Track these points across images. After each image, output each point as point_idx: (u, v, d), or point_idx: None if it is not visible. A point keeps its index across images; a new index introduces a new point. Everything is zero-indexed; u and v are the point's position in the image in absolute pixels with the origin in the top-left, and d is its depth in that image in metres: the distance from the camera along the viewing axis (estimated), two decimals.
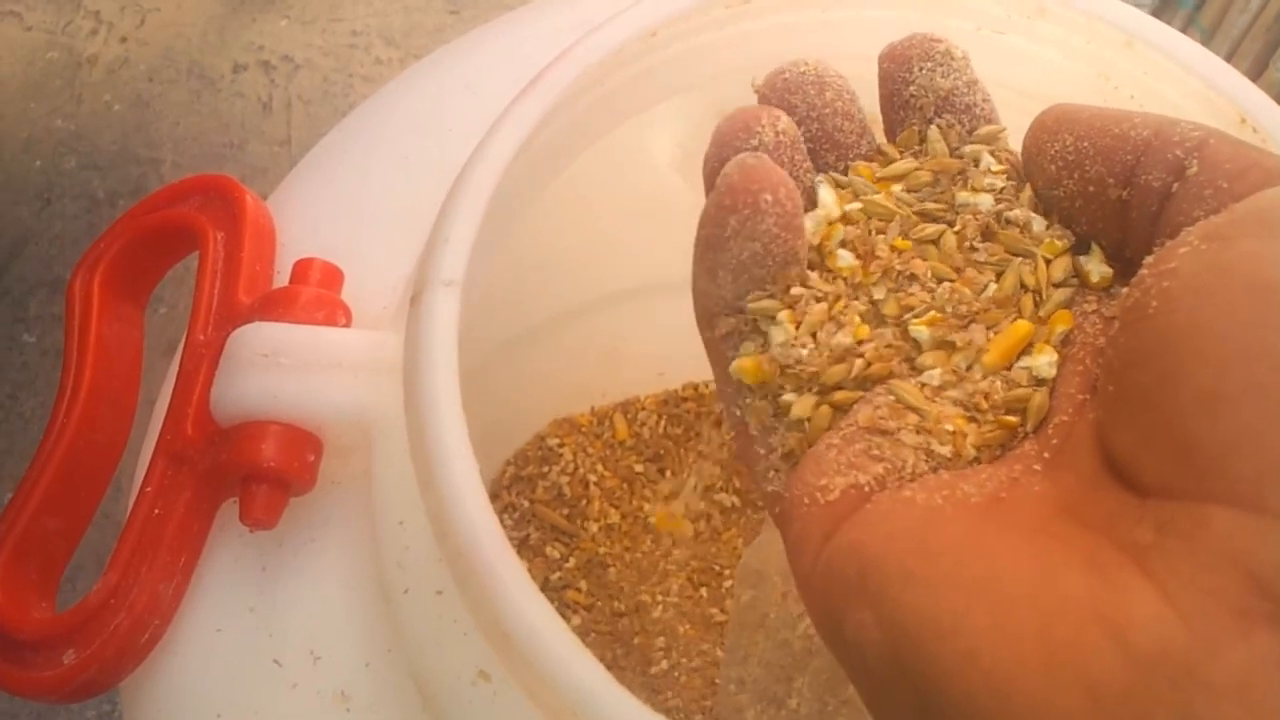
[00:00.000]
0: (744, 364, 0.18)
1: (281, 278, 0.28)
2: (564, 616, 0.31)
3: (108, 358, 0.28)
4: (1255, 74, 0.79)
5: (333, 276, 0.26)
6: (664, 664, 0.50)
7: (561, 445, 0.49)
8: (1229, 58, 0.81)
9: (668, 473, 0.54)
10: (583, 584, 0.49)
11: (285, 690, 0.23)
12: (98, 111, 0.89)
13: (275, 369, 0.24)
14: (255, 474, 0.24)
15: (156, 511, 0.25)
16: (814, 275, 0.19)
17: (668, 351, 0.46)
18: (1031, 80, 0.29)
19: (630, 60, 0.24)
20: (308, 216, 0.29)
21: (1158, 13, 0.84)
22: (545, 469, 0.49)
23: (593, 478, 0.50)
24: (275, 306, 0.25)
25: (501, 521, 0.21)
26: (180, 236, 0.29)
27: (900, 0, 0.26)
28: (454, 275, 0.20)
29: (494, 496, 0.47)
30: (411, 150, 0.30)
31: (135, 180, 0.86)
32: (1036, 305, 0.18)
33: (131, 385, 0.29)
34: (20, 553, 0.26)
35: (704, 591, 0.54)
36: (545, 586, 0.47)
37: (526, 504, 0.49)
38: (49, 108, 0.89)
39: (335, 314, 0.25)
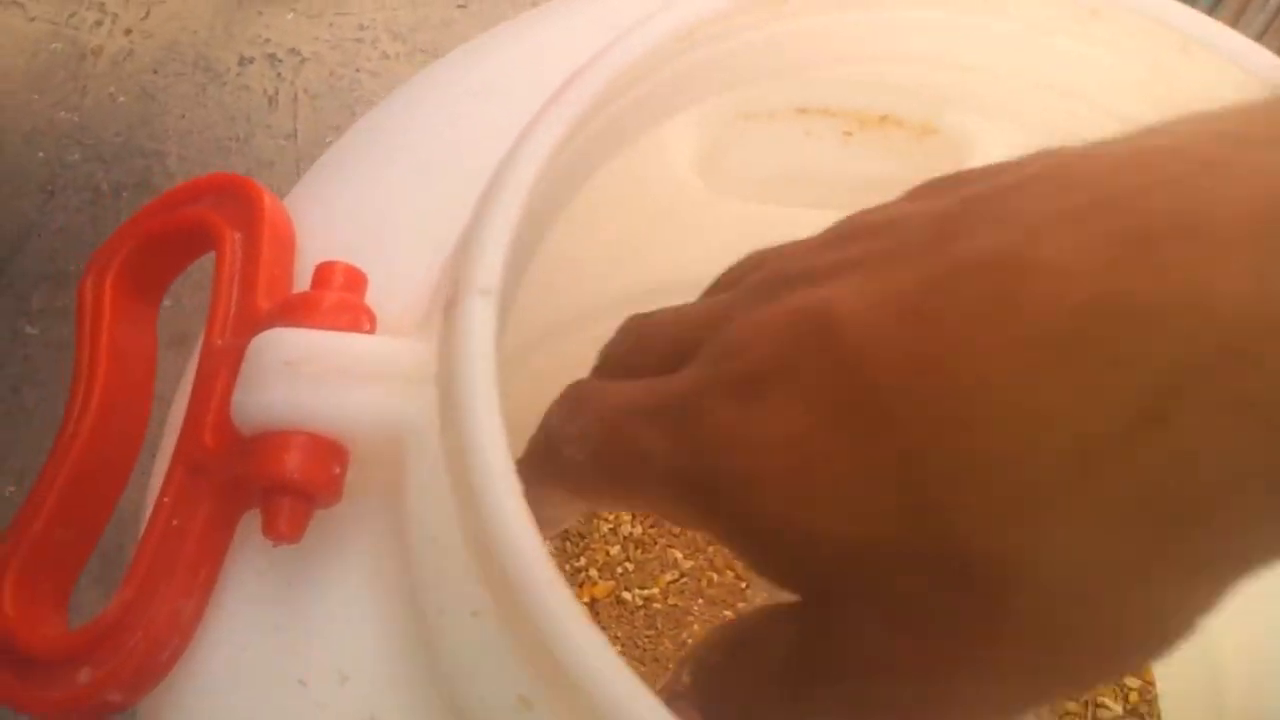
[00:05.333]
0: None
1: (302, 281, 0.27)
2: None
3: (120, 362, 0.27)
4: None
5: (356, 280, 0.25)
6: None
7: None
8: None
9: None
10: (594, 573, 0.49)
11: (313, 711, 0.23)
12: (102, 104, 0.88)
13: (300, 377, 0.23)
14: (279, 486, 0.23)
15: (175, 523, 0.24)
16: None
17: None
18: (1080, 83, 0.28)
19: (663, 63, 0.23)
20: (326, 218, 0.28)
21: None
22: None
23: None
24: (298, 311, 0.24)
25: None
26: (195, 237, 0.28)
27: (944, 1, 0.25)
28: (490, 283, 0.19)
29: None
30: (431, 152, 0.29)
31: (140, 173, 0.85)
32: None
33: (145, 390, 0.28)
34: (31, 565, 0.25)
35: (718, 591, 0.53)
36: None
37: None
38: (53, 100, 0.88)
39: (360, 319, 0.24)
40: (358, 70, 0.91)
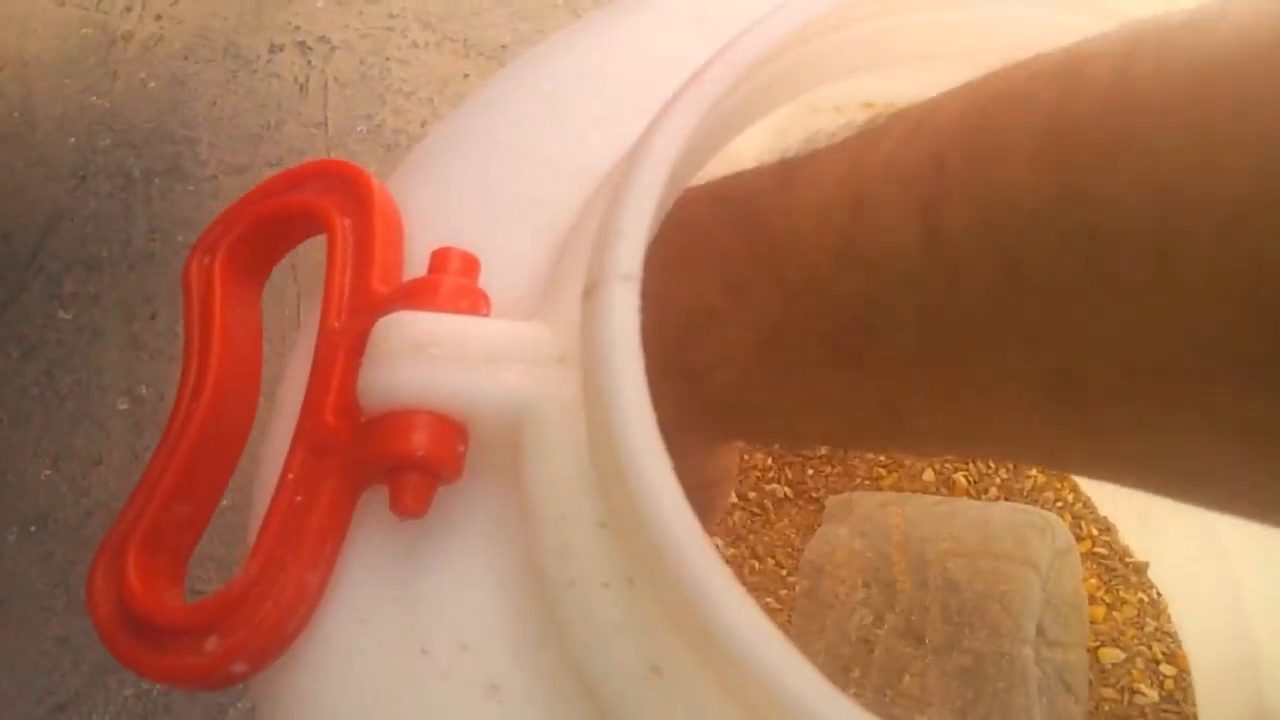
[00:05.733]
0: None
1: (412, 266, 0.27)
2: None
3: (232, 343, 0.28)
4: None
5: (471, 265, 0.26)
6: None
7: None
8: None
9: None
10: None
11: (435, 680, 0.23)
12: (132, 89, 0.89)
13: (427, 359, 0.23)
14: (406, 463, 0.23)
15: (298, 499, 0.25)
16: None
17: None
18: None
19: (782, 55, 0.24)
20: (431, 204, 0.29)
21: None
22: None
23: None
24: (419, 296, 0.25)
25: None
26: (303, 221, 0.29)
27: (1052, 1, 0.26)
28: (632, 269, 0.20)
29: None
30: (533, 140, 0.29)
31: (171, 159, 0.86)
32: None
33: (255, 369, 0.28)
34: (151, 540, 0.26)
35: (760, 579, 0.54)
36: None
37: None
38: (83, 85, 0.88)
39: (478, 303, 0.25)
40: (387, 59, 0.91)
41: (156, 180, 0.86)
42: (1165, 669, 0.53)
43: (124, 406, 0.79)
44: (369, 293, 0.26)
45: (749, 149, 0.38)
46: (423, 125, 0.90)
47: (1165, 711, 0.53)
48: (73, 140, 0.87)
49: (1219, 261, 0.16)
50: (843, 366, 0.21)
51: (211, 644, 0.24)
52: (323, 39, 0.92)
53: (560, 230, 0.27)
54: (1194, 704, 0.53)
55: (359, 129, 0.88)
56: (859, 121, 0.23)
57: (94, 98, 0.89)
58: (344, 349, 0.26)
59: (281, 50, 0.91)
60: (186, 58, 0.90)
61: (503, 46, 0.93)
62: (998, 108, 0.19)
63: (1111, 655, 0.54)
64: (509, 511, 0.24)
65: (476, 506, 0.25)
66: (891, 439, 0.24)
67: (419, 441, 0.23)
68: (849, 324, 0.21)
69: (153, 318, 0.82)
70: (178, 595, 0.26)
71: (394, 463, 0.24)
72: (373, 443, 0.24)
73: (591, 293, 0.21)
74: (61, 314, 0.81)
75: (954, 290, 0.19)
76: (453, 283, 0.25)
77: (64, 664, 0.72)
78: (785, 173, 0.23)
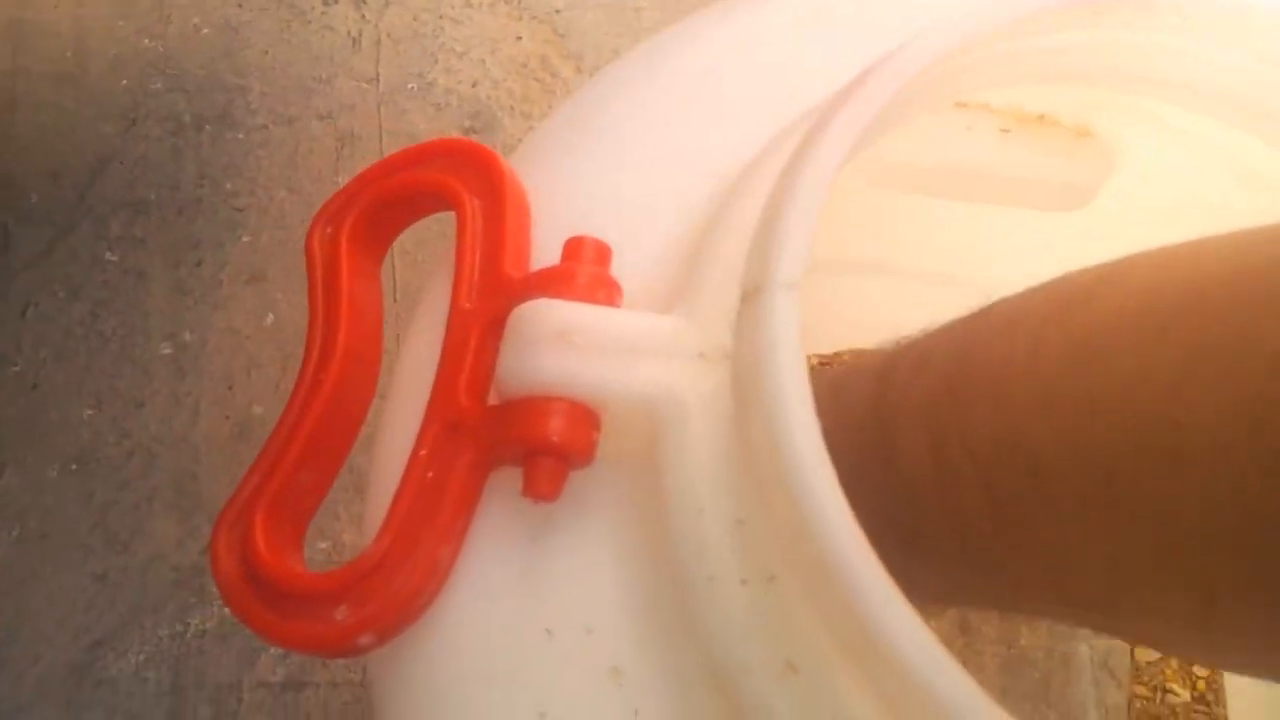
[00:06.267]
0: None
1: (541, 250, 0.28)
2: None
3: (358, 314, 0.28)
4: None
5: (604, 254, 0.26)
6: None
7: None
8: None
9: None
10: None
11: (558, 660, 0.24)
12: (186, 34, 0.88)
13: (568, 347, 0.24)
14: (542, 447, 0.24)
15: (430, 475, 0.25)
16: None
17: None
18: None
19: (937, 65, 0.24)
20: (556, 189, 0.29)
21: None
22: None
23: None
24: (556, 283, 0.25)
25: None
26: (428, 198, 0.29)
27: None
28: (794, 277, 0.21)
29: None
30: (656, 131, 0.30)
31: (222, 106, 0.86)
32: None
33: (376, 341, 0.29)
34: (278, 505, 0.26)
35: None
36: None
37: None
38: (136, 27, 0.88)
39: (612, 293, 0.26)
40: (441, 17, 0.91)
41: (207, 127, 0.85)
42: (1198, 669, 0.54)
43: (167, 351, 0.80)
44: (501, 276, 0.27)
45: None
46: (474, 86, 0.89)
47: (1196, 712, 0.54)
48: (124, 83, 0.87)
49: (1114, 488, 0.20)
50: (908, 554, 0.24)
51: (341, 613, 0.24)
52: None
53: (688, 224, 0.27)
54: (1224, 706, 0.54)
55: (410, 86, 0.88)
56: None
57: (147, 40, 0.88)
58: (477, 330, 0.26)
59: (335, 2, 0.91)
60: (240, 5, 0.90)
61: (556, 11, 0.92)
62: (968, 364, 0.23)
63: (1146, 654, 0.55)
64: (639, 500, 0.25)
65: (605, 493, 0.25)
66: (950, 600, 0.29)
67: (556, 427, 0.24)
68: (890, 510, 0.25)
69: (199, 264, 0.82)
70: (300, 561, 0.27)
71: (530, 447, 0.24)
72: (510, 426, 0.24)
73: (753, 297, 0.21)
74: (109, 255, 0.81)
75: (960, 504, 0.23)
76: (589, 272, 0.25)
77: (100, 602, 0.73)
78: (830, 384, 0.27)
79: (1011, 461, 0.21)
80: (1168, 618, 0.21)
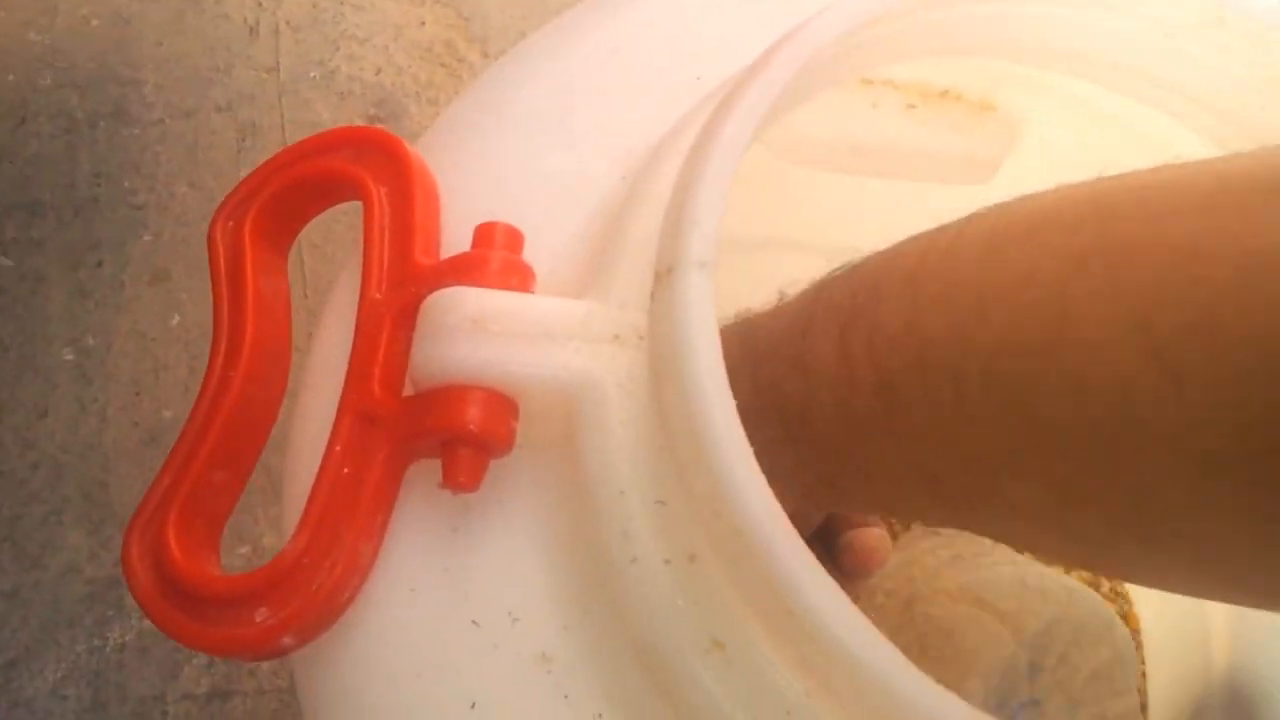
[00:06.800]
0: None
1: (450, 237, 0.27)
2: None
3: (265, 308, 0.27)
4: None
5: (515, 240, 0.26)
6: None
7: None
8: None
9: None
10: None
11: (485, 651, 0.24)
12: (74, 26, 0.85)
13: (482, 335, 0.24)
14: (460, 437, 0.24)
15: (346, 470, 0.25)
16: None
17: None
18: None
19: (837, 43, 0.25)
20: (464, 175, 0.29)
21: None
22: None
23: None
24: (468, 271, 0.25)
25: None
26: (333, 188, 0.28)
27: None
28: (707, 255, 0.21)
29: None
30: (569, 111, 0.29)
31: (115, 101, 0.83)
32: None
33: (285, 336, 0.28)
34: (190, 508, 0.26)
35: None
36: None
37: None
38: (21, 20, 0.85)
39: (526, 279, 0.25)
40: (341, 3, 0.89)
41: (101, 123, 0.83)
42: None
43: (70, 357, 0.77)
44: (412, 264, 0.26)
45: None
46: (378, 73, 0.88)
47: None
48: (10, 78, 0.83)
49: (986, 387, 0.21)
50: (791, 444, 0.26)
51: (261, 615, 0.24)
52: None
53: (600, 206, 0.27)
54: (1143, 662, 0.56)
55: (312, 74, 0.86)
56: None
57: (33, 34, 0.85)
58: (389, 321, 0.26)
59: None
60: None
61: None
62: (891, 263, 0.24)
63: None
64: (560, 486, 0.25)
65: (526, 481, 0.25)
66: (833, 505, 0.32)
67: (473, 417, 0.24)
68: (794, 412, 0.25)
69: (99, 265, 0.79)
70: (216, 564, 0.26)
71: (448, 437, 0.24)
72: (426, 417, 0.24)
73: (666, 277, 0.21)
74: (3, 260, 0.78)
75: (852, 395, 0.24)
76: (501, 258, 0.25)
77: (12, 620, 0.70)
78: (774, 308, 0.29)
79: (903, 350, 0.22)
80: (1028, 516, 0.22)
